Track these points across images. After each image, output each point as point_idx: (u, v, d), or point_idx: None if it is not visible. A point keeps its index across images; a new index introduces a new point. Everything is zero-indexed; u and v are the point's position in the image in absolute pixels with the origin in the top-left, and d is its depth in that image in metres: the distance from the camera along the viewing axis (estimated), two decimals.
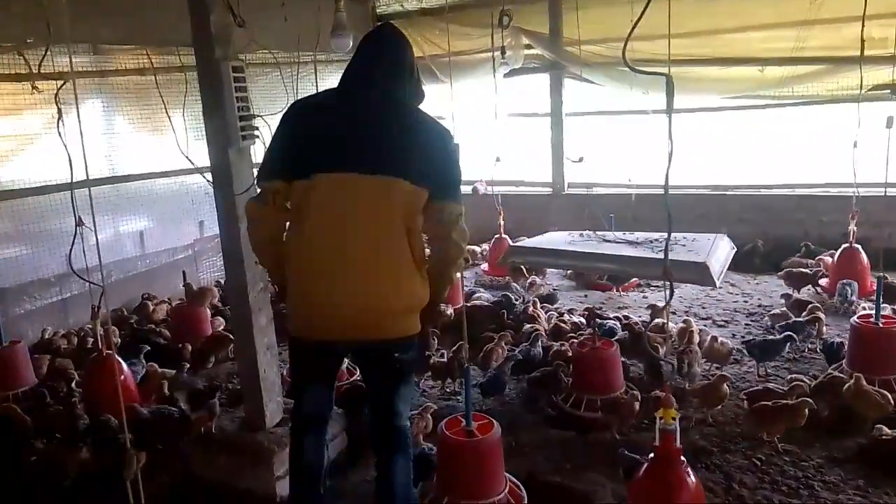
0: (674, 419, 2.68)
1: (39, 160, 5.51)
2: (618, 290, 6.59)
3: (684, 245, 5.22)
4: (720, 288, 6.25)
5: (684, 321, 5.00)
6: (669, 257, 4.69)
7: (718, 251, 5.08)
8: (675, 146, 2.30)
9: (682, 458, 2.72)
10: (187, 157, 3.67)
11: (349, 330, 2.48)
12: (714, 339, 4.67)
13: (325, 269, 2.43)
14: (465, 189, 2.80)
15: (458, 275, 3.07)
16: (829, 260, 6.26)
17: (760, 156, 8.68)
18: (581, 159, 5.88)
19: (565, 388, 4.25)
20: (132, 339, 5.44)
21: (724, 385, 3.93)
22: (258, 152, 3.46)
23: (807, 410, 3.60)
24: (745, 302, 6.27)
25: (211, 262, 7.18)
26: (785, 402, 3.69)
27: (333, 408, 2.93)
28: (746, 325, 5.66)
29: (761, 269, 7.15)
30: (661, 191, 2.33)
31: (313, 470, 2.77)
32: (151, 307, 6.20)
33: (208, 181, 3.57)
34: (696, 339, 4.67)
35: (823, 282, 6.07)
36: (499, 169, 7.15)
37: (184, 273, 5.57)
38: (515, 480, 3.31)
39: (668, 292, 2.63)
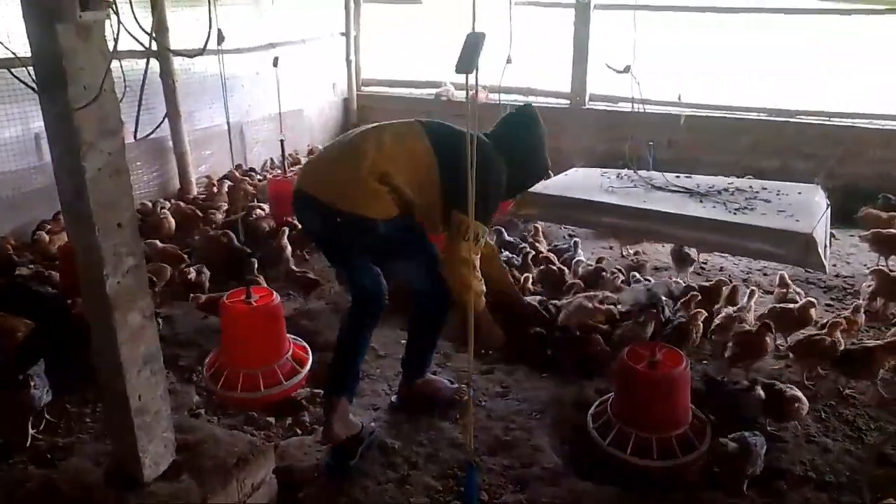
0: None
1: None
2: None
3: (769, 201, 3.77)
4: None
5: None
6: (749, 220, 3.25)
7: (817, 211, 3.63)
8: (726, 60, 1.08)
9: None
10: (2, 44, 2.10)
11: (321, 188, 2.77)
12: None
13: (330, 155, 2.95)
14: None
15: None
16: None
17: (833, 78, 7.01)
18: (627, 69, 4.28)
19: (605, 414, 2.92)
20: (5, 288, 4.00)
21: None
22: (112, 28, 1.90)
23: None
24: None
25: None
26: None
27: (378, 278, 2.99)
28: (827, 305, 4.28)
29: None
30: (717, 113, 1.02)
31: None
32: (47, 238, 4.71)
33: (28, 85, 1.99)
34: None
35: None
36: (509, 73, 5.53)
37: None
38: None
39: None
